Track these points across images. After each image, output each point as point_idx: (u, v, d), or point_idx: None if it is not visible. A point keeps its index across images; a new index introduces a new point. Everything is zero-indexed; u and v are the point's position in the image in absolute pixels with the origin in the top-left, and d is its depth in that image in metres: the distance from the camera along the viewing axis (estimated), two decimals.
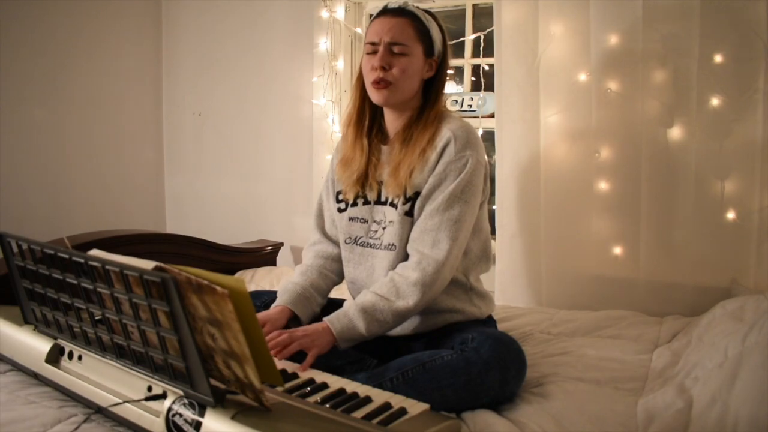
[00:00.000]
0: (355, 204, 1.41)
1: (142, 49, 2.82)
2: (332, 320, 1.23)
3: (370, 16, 1.35)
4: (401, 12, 1.33)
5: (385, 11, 1.35)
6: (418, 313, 1.32)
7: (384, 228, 1.37)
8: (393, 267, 1.33)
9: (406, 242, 1.33)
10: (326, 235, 1.51)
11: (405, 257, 1.33)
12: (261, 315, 1.30)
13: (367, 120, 1.41)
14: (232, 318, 0.80)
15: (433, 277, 1.26)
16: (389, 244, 1.35)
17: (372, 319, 1.23)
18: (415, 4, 1.38)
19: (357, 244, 1.41)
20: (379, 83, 1.32)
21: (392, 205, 1.35)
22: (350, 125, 1.42)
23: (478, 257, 1.41)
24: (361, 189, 1.40)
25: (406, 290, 1.25)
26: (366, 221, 1.40)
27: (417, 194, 1.32)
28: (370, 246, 1.39)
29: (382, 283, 1.28)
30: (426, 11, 1.37)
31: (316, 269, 1.45)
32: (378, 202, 1.39)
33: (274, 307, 1.35)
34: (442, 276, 1.27)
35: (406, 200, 1.33)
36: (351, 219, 1.41)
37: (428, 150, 1.32)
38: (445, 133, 1.32)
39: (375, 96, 1.35)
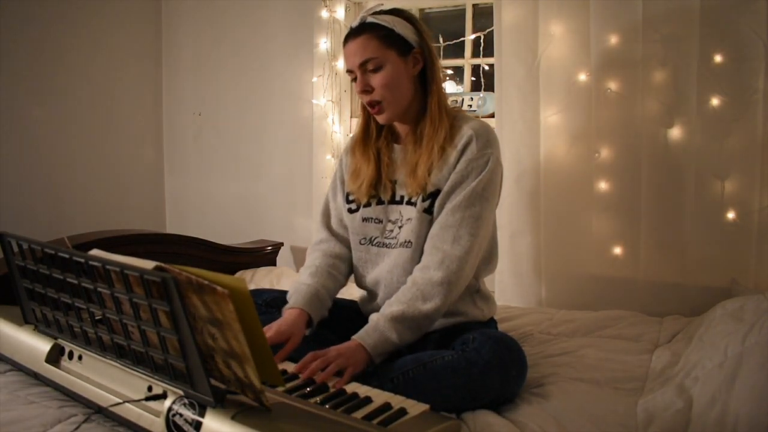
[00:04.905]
0: (368, 204, 1.40)
1: (142, 49, 2.82)
2: (362, 336, 1.20)
3: None
4: (361, 29, 1.32)
5: (348, 35, 1.35)
6: None
7: (400, 227, 1.36)
8: (408, 263, 1.33)
9: (423, 239, 1.32)
10: (333, 233, 1.49)
11: (421, 253, 1.32)
12: (282, 327, 1.24)
13: (373, 133, 1.43)
14: (233, 318, 0.80)
15: (458, 275, 1.26)
16: (406, 241, 1.34)
17: (403, 328, 1.21)
18: (405, 6, 1.36)
19: (373, 245, 1.40)
20: (372, 107, 1.33)
21: (409, 203, 1.35)
22: (357, 142, 1.44)
23: (486, 259, 1.41)
24: (374, 190, 1.40)
25: (431, 291, 1.24)
26: (381, 221, 1.40)
27: (436, 192, 1.32)
28: (386, 246, 1.38)
29: (405, 289, 1.26)
30: (390, 11, 1.35)
31: (325, 271, 1.42)
32: (392, 201, 1.39)
33: (289, 310, 1.31)
34: (464, 273, 1.28)
35: (426, 198, 1.32)
36: (365, 220, 1.41)
37: (447, 147, 1.32)
38: (466, 131, 1.32)
39: (377, 119, 1.37)
